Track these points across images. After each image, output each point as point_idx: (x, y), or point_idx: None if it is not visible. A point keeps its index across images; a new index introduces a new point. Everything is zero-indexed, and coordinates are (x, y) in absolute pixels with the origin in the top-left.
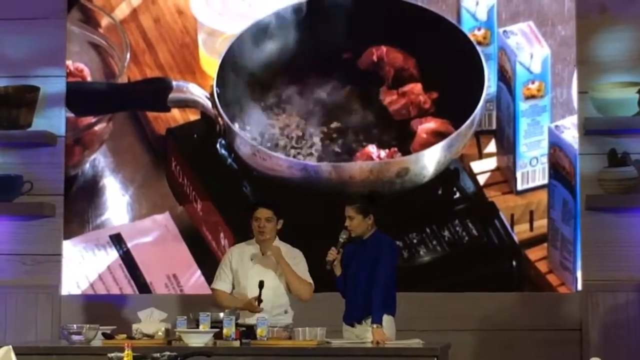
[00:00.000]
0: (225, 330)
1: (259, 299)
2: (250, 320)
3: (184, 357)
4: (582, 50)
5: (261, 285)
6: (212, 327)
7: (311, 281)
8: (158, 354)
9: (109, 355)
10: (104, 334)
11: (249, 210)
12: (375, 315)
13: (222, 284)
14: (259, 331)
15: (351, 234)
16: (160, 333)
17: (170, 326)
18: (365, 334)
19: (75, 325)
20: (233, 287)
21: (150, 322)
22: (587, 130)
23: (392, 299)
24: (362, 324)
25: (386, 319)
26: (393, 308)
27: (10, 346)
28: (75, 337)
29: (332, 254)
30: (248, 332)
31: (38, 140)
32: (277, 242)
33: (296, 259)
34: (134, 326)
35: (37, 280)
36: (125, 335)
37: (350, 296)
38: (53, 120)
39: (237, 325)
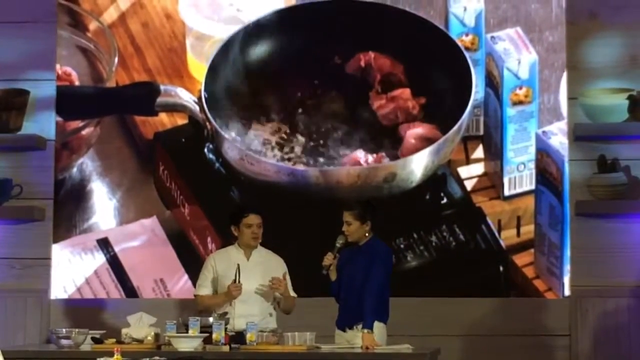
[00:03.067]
0: (214, 335)
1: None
2: (241, 324)
3: None
4: (571, 56)
5: (238, 268)
6: (201, 332)
7: (294, 294)
8: (147, 359)
9: (99, 359)
10: (93, 339)
11: (234, 215)
12: (366, 321)
13: (205, 290)
14: (248, 336)
15: (348, 239)
16: (149, 338)
17: (159, 331)
18: (355, 339)
19: (64, 330)
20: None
21: (140, 327)
22: (577, 136)
23: (385, 306)
24: (353, 329)
25: (377, 325)
26: (385, 315)
27: (0, 350)
28: (64, 342)
29: (329, 259)
30: (237, 337)
31: (28, 144)
32: (259, 247)
33: (278, 268)
34: (124, 331)
35: (26, 284)
36: (114, 340)
37: (343, 301)
38: (43, 124)
39: (226, 330)
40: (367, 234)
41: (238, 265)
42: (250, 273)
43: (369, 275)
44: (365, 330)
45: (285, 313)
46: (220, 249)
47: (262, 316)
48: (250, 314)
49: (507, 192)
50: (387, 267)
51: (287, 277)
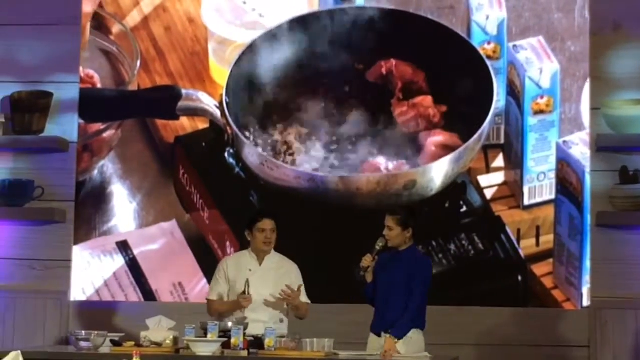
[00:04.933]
0: (233, 340)
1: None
2: (257, 329)
3: None
4: (595, 67)
5: (247, 282)
6: (220, 336)
7: (308, 300)
8: None
9: None
10: (112, 341)
11: (250, 220)
12: (398, 328)
13: (216, 294)
14: (266, 341)
15: (388, 243)
16: (168, 341)
17: (178, 334)
18: None
19: (83, 332)
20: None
21: (159, 330)
22: (599, 146)
23: (423, 315)
24: (388, 334)
25: (415, 331)
26: (422, 323)
27: (19, 351)
28: (83, 344)
29: (367, 260)
30: (256, 342)
31: (50, 146)
32: (273, 253)
33: (291, 274)
34: (142, 334)
35: (46, 285)
36: (133, 343)
37: (378, 306)
38: (65, 126)
39: (245, 335)
40: (407, 241)
41: (247, 279)
42: (261, 279)
43: (412, 286)
44: (389, 335)
45: (299, 319)
46: (232, 255)
47: (272, 322)
48: (260, 320)
49: (526, 202)
50: (428, 279)
51: (298, 282)
